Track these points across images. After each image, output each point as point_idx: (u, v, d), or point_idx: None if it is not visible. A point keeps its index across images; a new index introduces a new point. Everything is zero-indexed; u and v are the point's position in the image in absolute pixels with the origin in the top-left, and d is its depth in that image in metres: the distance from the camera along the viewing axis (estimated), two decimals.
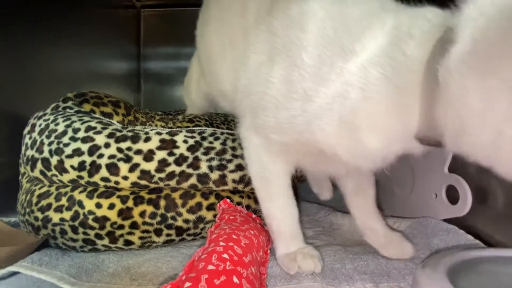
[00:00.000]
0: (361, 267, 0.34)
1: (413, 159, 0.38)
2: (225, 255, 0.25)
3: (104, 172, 0.37)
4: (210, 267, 0.24)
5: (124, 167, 0.37)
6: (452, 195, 0.41)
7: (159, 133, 0.39)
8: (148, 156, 0.38)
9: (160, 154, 0.38)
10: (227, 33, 0.42)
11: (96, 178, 0.37)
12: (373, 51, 0.24)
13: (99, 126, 0.39)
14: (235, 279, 0.23)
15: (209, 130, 0.43)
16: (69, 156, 0.37)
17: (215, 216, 0.40)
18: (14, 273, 0.33)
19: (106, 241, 0.37)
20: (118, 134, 0.38)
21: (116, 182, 0.37)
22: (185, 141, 0.40)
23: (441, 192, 0.42)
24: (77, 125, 0.39)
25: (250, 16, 0.38)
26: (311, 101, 0.27)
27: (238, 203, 0.42)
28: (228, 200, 0.40)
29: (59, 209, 0.37)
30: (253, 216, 0.40)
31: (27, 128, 0.42)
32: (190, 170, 0.39)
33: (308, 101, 0.27)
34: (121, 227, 0.37)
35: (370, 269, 0.34)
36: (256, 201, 0.44)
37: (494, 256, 0.28)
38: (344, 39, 0.26)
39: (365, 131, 0.26)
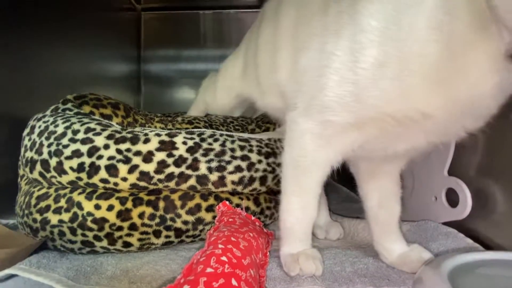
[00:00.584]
0: (361, 270, 0.34)
1: (413, 162, 0.38)
2: (224, 258, 0.25)
3: (103, 174, 0.37)
4: (209, 270, 0.24)
5: (123, 168, 0.37)
6: (452, 198, 0.40)
7: (158, 135, 0.40)
8: (147, 157, 0.38)
9: (159, 156, 0.38)
10: (289, 27, 0.41)
11: (95, 180, 0.37)
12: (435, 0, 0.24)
13: (98, 128, 0.39)
14: (233, 282, 0.23)
15: (208, 131, 0.43)
16: (68, 158, 0.37)
17: (214, 217, 0.40)
18: (12, 276, 0.33)
19: (104, 243, 0.37)
20: (117, 135, 0.38)
21: (115, 184, 0.37)
22: (184, 143, 0.40)
23: (441, 195, 0.42)
24: (76, 126, 0.39)
25: (314, 6, 0.37)
26: (384, 66, 0.25)
27: (237, 205, 0.42)
28: (227, 203, 0.40)
29: (57, 211, 0.37)
30: (253, 218, 0.40)
31: (27, 130, 0.42)
32: (189, 171, 0.39)
33: (381, 67, 0.25)
34: (120, 228, 0.37)
35: (370, 272, 0.33)
36: (256, 203, 0.45)
37: (494, 259, 0.28)
38: None
39: (454, 81, 0.24)
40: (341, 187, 0.73)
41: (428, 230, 0.41)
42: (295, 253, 0.33)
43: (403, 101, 0.26)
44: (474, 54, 0.23)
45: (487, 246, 0.36)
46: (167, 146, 0.39)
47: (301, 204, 0.34)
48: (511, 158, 0.35)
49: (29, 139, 0.40)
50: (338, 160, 0.32)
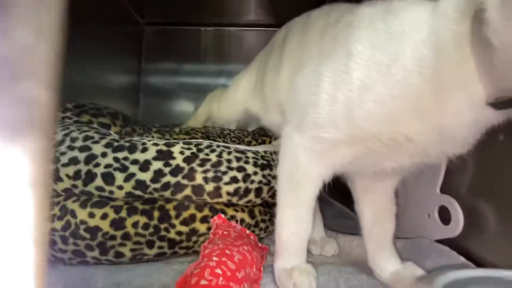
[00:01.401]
0: (355, 287, 0.33)
1: (406, 179, 0.38)
2: (218, 270, 0.25)
3: (99, 181, 0.37)
4: (203, 282, 0.24)
5: (119, 177, 0.37)
6: (445, 216, 0.41)
7: (156, 144, 0.40)
8: (144, 166, 0.38)
9: (156, 165, 0.38)
10: (292, 52, 0.44)
11: (90, 187, 0.37)
12: (422, 33, 0.25)
13: (97, 136, 0.39)
14: None
15: (206, 142, 0.44)
16: (65, 165, 0.37)
17: (208, 229, 0.40)
18: None
19: (96, 253, 0.37)
20: (115, 144, 0.39)
21: (111, 192, 0.37)
22: (181, 152, 0.40)
23: (433, 213, 0.42)
24: (75, 134, 0.39)
25: (311, 32, 0.40)
26: (369, 89, 0.26)
27: (232, 217, 0.42)
28: (222, 215, 0.40)
29: (50, 219, 0.37)
30: (247, 232, 0.40)
31: None
32: (185, 181, 0.39)
33: (365, 90, 0.27)
34: (113, 237, 0.37)
35: None
36: (250, 215, 0.44)
37: (486, 276, 0.28)
38: (393, 25, 0.26)
39: (434, 110, 0.25)
40: (336, 203, 0.73)
41: (422, 247, 0.41)
42: (289, 268, 0.33)
43: (386, 123, 0.27)
44: (454, 92, 0.25)
45: (479, 264, 0.36)
46: (165, 155, 0.39)
47: (295, 217, 0.34)
48: (502, 177, 0.36)
49: None
50: (329, 174, 0.33)
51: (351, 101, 0.28)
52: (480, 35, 0.22)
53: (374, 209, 0.38)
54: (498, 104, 0.23)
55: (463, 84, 0.24)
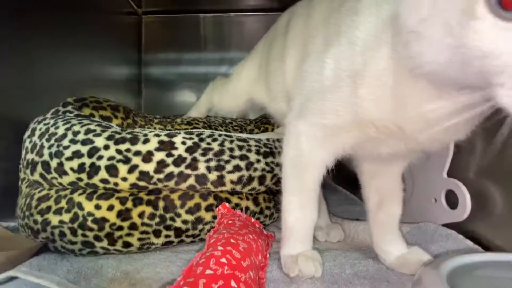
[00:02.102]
0: (361, 272, 0.34)
1: (413, 164, 0.38)
2: (223, 260, 0.25)
3: (103, 174, 0.37)
4: (208, 271, 0.24)
5: (123, 169, 0.37)
6: (452, 200, 0.41)
7: (157, 135, 0.40)
8: (147, 157, 0.38)
9: (159, 155, 0.38)
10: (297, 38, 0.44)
11: (95, 180, 0.37)
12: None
13: (98, 129, 0.39)
14: (233, 284, 0.23)
15: (207, 132, 0.43)
16: (69, 159, 0.37)
17: (213, 217, 0.40)
18: (13, 278, 0.33)
19: (105, 243, 0.37)
20: (117, 136, 0.39)
21: (115, 184, 0.38)
22: (183, 143, 0.40)
23: (440, 197, 0.42)
24: (76, 128, 0.39)
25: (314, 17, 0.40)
26: (363, 76, 0.27)
27: (237, 205, 0.42)
28: (227, 205, 0.41)
29: (58, 212, 0.37)
30: (252, 220, 0.40)
31: (27, 133, 0.42)
32: (188, 171, 0.39)
33: (361, 76, 0.27)
34: (120, 228, 0.37)
35: (370, 274, 0.33)
36: (255, 202, 0.45)
37: (493, 260, 0.28)
38: (384, 11, 0.27)
39: (413, 97, 0.25)
40: (341, 189, 0.73)
41: (428, 232, 0.41)
42: (295, 254, 0.33)
43: (377, 110, 0.28)
44: (411, 91, 0.25)
45: (487, 248, 0.36)
46: (166, 146, 0.39)
47: (300, 203, 0.34)
48: (510, 159, 0.35)
49: (30, 141, 0.41)
50: (332, 160, 0.34)
51: (348, 87, 0.28)
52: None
53: (380, 194, 0.38)
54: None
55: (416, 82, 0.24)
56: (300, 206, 0.34)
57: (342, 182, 0.73)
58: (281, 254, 0.34)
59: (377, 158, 0.35)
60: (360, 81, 0.27)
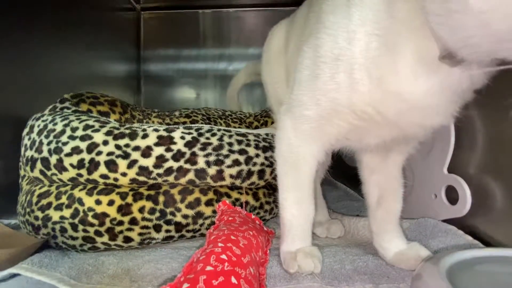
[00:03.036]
0: (360, 268, 0.34)
1: (413, 159, 0.38)
2: (224, 256, 0.26)
3: (103, 169, 0.37)
4: (208, 268, 0.24)
5: (122, 164, 0.37)
6: (452, 196, 0.40)
7: (156, 130, 0.40)
8: (146, 152, 0.38)
9: (158, 150, 0.38)
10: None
11: (95, 176, 0.37)
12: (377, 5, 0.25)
13: (97, 125, 0.39)
14: (233, 280, 0.23)
15: (206, 126, 0.43)
16: (68, 155, 0.37)
17: (213, 212, 0.40)
18: (14, 275, 0.33)
19: (105, 238, 0.38)
20: (116, 131, 0.39)
21: (115, 179, 0.38)
22: (182, 137, 0.40)
23: (440, 193, 0.42)
24: (75, 124, 0.39)
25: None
26: (339, 60, 0.27)
27: (237, 199, 0.42)
28: (227, 201, 0.41)
29: (59, 207, 0.37)
30: (253, 217, 0.40)
31: (26, 130, 0.42)
32: (187, 166, 0.39)
33: (336, 60, 0.27)
34: (121, 223, 0.37)
35: (370, 270, 0.33)
36: (255, 197, 0.45)
37: (493, 256, 0.28)
38: None
39: (391, 76, 0.25)
40: (341, 184, 0.73)
41: (427, 227, 0.41)
42: (294, 251, 0.33)
43: (355, 95, 0.27)
44: (406, 50, 0.24)
45: (487, 243, 0.36)
46: (165, 141, 0.39)
47: (295, 200, 0.34)
48: (510, 155, 0.35)
49: (29, 138, 0.40)
50: (322, 154, 0.33)
51: (324, 74, 0.28)
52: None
53: (380, 189, 0.37)
54: (446, 59, 0.23)
55: (413, 39, 0.24)
56: (296, 202, 0.34)
57: (341, 177, 0.73)
58: (280, 250, 0.35)
59: (371, 150, 0.35)
60: (337, 66, 0.27)
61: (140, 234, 0.38)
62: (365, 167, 0.38)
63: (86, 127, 0.39)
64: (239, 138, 0.43)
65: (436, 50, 0.23)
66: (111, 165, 0.37)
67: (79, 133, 0.38)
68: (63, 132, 0.39)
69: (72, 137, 0.38)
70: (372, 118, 0.28)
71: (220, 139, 0.41)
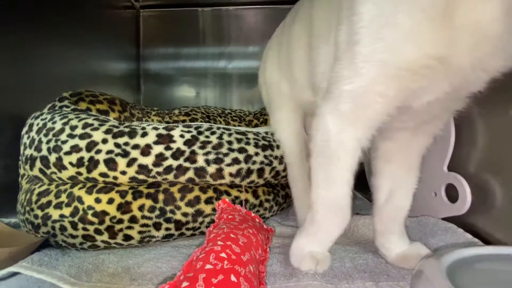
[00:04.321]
0: (360, 265, 0.34)
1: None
2: (223, 254, 0.25)
3: (102, 168, 0.37)
4: (208, 266, 0.24)
5: (122, 162, 0.37)
6: (452, 194, 0.40)
7: (155, 128, 0.40)
8: (146, 150, 0.38)
9: (157, 149, 0.38)
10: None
11: (94, 174, 0.37)
12: None
13: (96, 123, 0.39)
14: (232, 278, 0.23)
15: (206, 125, 0.43)
16: (68, 153, 0.37)
17: (213, 210, 0.40)
18: (14, 274, 0.33)
19: (105, 237, 0.38)
20: (115, 130, 0.39)
21: (115, 177, 0.38)
22: (181, 136, 0.40)
23: (440, 191, 0.42)
24: (74, 122, 0.39)
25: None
26: (380, 16, 0.24)
27: (236, 197, 0.42)
28: (227, 199, 0.41)
29: (58, 206, 0.37)
30: (252, 215, 0.40)
31: (25, 128, 0.42)
32: (187, 164, 0.39)
33: (377, 17, 0.24)
34: (120, 221, 0.37)
35: (370, 268, 0.33)
36: (255, 195, 0.45)
37: (492, 253, 0.28)
38: None
39: (454, 8, 0.21)
40: None
41: (427, 225, 0.41)
42: (307, 251, 0.32)
43: (409, 47, 0.23)
44: None
45: (487, 241, 0.36)
46: (165, 139, 0.39)
47: (328, 199, 0.30)
48: (510, 153, 0.35)
49: (28, 137, 0.40)
50: (368, 138, 0.29)
51: (366, 37, 0.24)
52: None
53: (393, 182, 0.34)
54: None
55: None
56: (328, 203, 0.30)
57: None
58: (294, 242, 0.32)
59: (399, 130, 0.31)
60: (384, 22, 0.23)
61: (140, 232, 0.38)
62: (381, 155, 0.34)
63: (85, 126, 0.39)
64: (239, 136, 0.43)
65: None
66: (111, 164, 0.37)
67: (78, 131, 0.38)
68: (62, 130, 0.38)
69: (71, 136, 0.38)
70: (435, 71, 0.24)
71: (220, 137, 0.41)
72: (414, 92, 0.26)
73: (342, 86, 0.27)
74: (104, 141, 0.38)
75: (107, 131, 0.38)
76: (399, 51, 0.24)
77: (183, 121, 0.54)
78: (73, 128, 0.38)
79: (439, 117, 0.32)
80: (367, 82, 0.26)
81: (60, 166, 0.38)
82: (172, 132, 0.40)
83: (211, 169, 0.40)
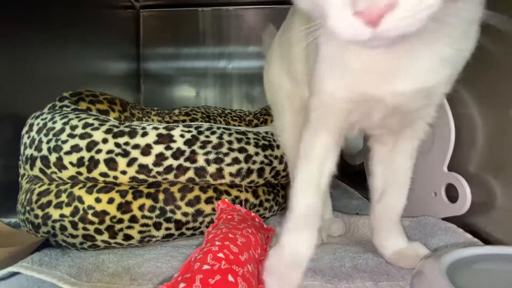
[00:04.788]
0: (360, 265, 0.34)
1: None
2: (221, 254, 0.25)
3: (102, 167, 0.37)
4: (205, 267, 0.24)
5: (122, 162, 0.37)
6: (452, 194, 0.40)
7: (156, 128, 0.40)
8: (146, 150, 0.38)
9: (158, 148, 0.38)
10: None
11: (95, 174, 0.37)
12: None
13: (96, 123, 0.39)
14: (230, 278, 0.23)
15: (206, 125, 0.43)
16: (68, 153, 0.37)
17: (213, 209, 0.41)
18: (14, 274, 0.33)
19: (105, 236, 0.38)
20: (115, 129, 0.39)
21: (115, 177, 0.38)
22: (182, 135, 0.40)
23: (440, 191, 0.42)
24: (74, 122, 0.39)
25: None
26: (329, 58, 0.28)
27: (237, 197, 0.42)
28: (227, 199, 0.41)
29: (59, 206, 0.37)
30: (252, 214, 0.40)
31: (25, 128, 0.42)
32: (187, 164, 0.39)
33: (327, 59, 0.28)
34: (121, 221, 0.37)
35: (370, 267, 0.33)
36: (255, 195, 0.45)
37: (493, 253, 0.28)
38: None
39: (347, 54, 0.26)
40: (341, 183, 0.73)
41: (427, 225, 0.41)
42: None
43: (348, 86, 0.28)
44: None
45: (487, 241, 0.36)
46: (165, 139, 0.39)
47: (305, 191, 0.32)
48: (510, 153, 0.35)
49: (28, 137, 0.40)
50: (336, 146, 0.32)
51: (321, 71, 0.29)
52: None
53: (385, 182, 0.35)
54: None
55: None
56: (305, 195, 0.31)
57: (341, 176, 0.72)
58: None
59: (381, 135, 0.34)
60: (329, 63, 0.28)
61: (140, 232, 0.38)
62: (374, 156, 0.36)
63: (86, 125, 0.39)
64: (239, 136, 0.43)
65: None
66: (111, 163, 0.37)
67: (79, 131, 0.38)
68: (62, 130, 0.38)
69: (71, 135, 0.38)
70: (364, 103, 0.28)
71: (220, 137, 0.41)
72: (359, 113, 0.30)
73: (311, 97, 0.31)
74: (105, 141, 0.38)
75: (107, 131, 0.38)
76: (341, 87, 0.28)
77: (183, 121, 0.55)
78: (73, 128, 0.39)
79: (415, 124, 0.33)
80: (322, 103, 0.30)
81: (61, 166, 0.38)
82: (172, 132, 0.40)
83: (211, 168, 0.40)
